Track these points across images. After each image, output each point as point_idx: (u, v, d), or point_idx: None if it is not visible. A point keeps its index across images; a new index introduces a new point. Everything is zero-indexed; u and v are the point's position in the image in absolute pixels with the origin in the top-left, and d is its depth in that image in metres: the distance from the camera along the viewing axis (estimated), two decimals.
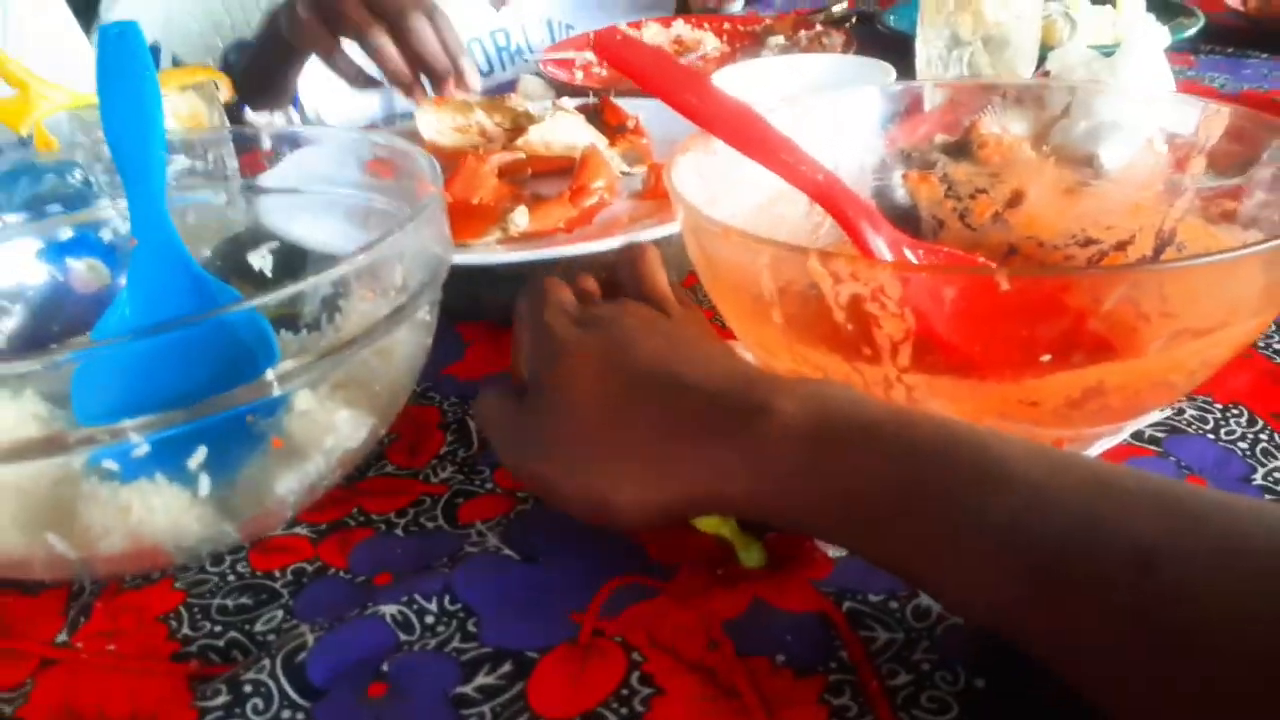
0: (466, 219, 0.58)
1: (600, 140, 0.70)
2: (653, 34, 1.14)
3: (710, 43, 1.11)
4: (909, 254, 0.46)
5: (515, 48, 1.19)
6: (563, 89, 1.01)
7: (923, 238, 0.57)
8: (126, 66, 0.49)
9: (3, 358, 0.42)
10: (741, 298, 0.41)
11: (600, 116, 0.74)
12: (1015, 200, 0.57)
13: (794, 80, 0.84)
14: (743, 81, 0.82)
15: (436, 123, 0.74)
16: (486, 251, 0.57)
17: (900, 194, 0.58)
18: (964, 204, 0.58)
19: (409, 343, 0.42)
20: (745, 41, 1.11)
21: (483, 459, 0.47)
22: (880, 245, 0.44)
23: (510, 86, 1.02)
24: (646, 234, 0.56)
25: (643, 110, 0.73)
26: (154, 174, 0.47)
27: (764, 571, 0.38)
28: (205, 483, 0.36)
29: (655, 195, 0.65)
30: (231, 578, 0.40)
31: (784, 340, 0.40)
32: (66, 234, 0.56)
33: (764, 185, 0.52)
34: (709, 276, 0.44)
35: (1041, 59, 0.78)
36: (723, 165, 0.50)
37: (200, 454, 0.36)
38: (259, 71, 0.99)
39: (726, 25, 1.13)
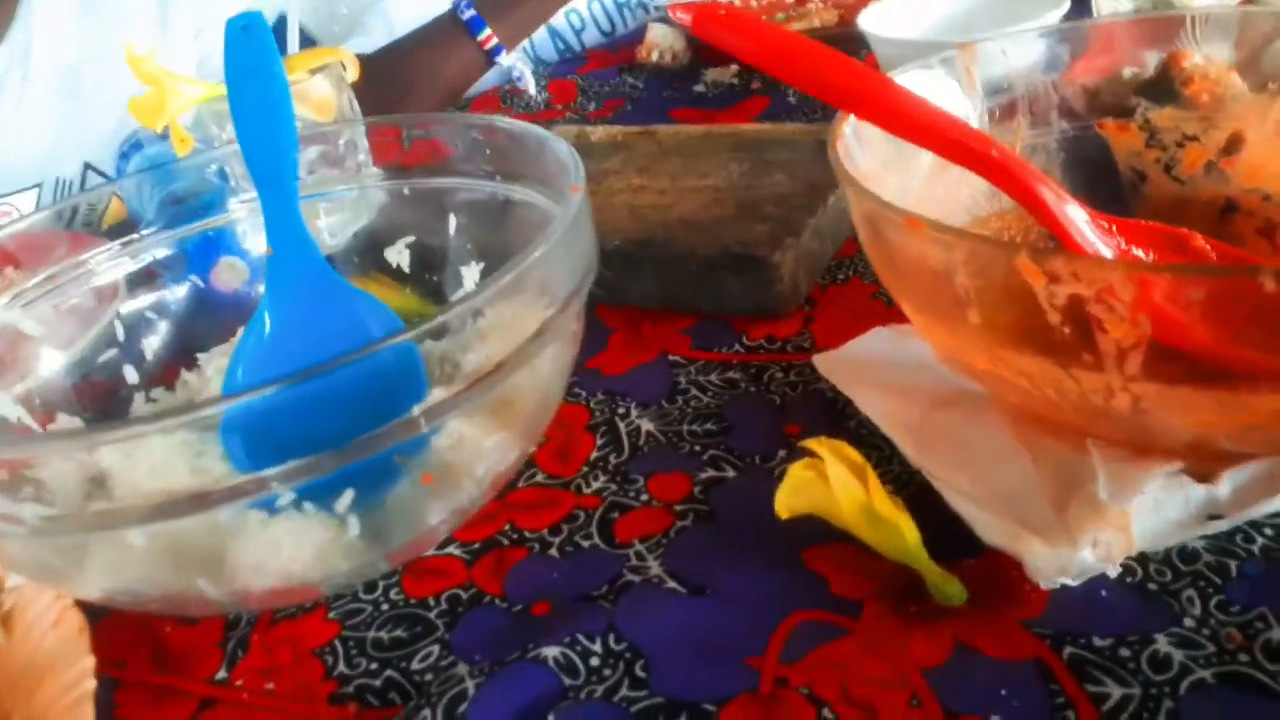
0: None
1: None
2: None
3: None
4: (1103, 240, 0.40)
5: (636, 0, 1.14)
6: (691, 35, 0.95)
7: (1122, 194, 0.50)
8: (255, 64, 0.47)
9: (157, 414, 0.40)
10: (928, 294, 0.36)
11: None
12: (1233, 146, 0.49)
13: (952, 11, 0.76)
14: (894, 18, 0.75)
15: None
16: None
17: (1093, 145, 0.51)
18: (1170, 154, 0.50)
19: (558, 356, 0.39)
20: None
21: (634, 466, 0.44)
22: (1081, 225, 0.38)
23: (638, 37, 0.97)
24: None
25: None
26: (287, 180, 0.45)
27: (964, 608, 0.34)
28: (354, 523, 0.34)
29: None
30: (385, 606, 0.39)
31: (981, 343, 0.35)
32: (205, 236, 0.55)
33: None
34: (887, 269, 0.39)
35: None
36: None
37: (348, 497, 0.33)
38: None
39: None
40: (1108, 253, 0.39)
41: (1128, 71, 0.54)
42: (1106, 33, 0.54)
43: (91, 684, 0.33)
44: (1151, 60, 0.53)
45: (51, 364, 0.45)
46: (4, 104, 0.88)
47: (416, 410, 0.32)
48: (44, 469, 0.38)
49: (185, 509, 0.30)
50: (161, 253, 0.51)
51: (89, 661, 0.33)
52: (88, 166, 0.91)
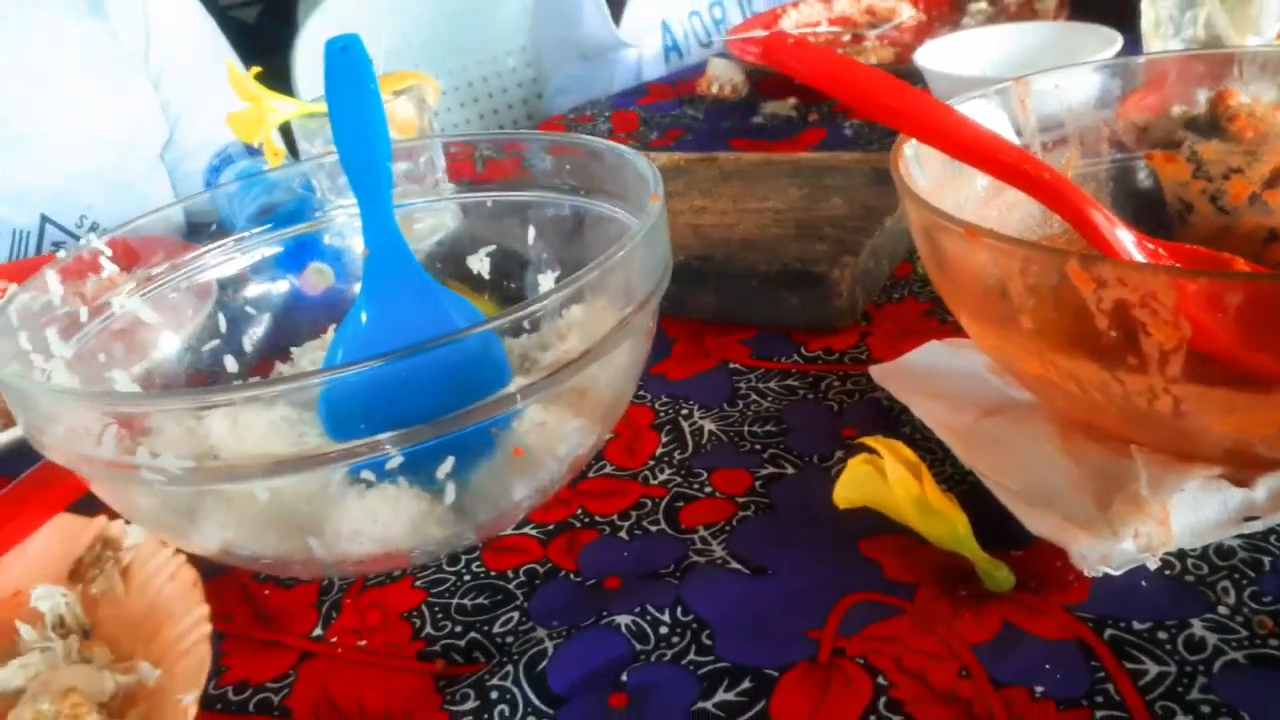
0: None
1: None
2: (844, 5, 1.10)
3: (906, 11, 1.06)
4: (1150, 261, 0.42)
5: (705, 30, 1.19)
6: (751, 69, 0.99)
7: (1169, 223, 0.53)
8: (352, 80, 0.50)
9: (266, 382, 0.45)
10: (982, 301, 0.39)
11: None
12: (1276, 179, 0.52)
13: (1006, 52, 0.79)
14: (950, 56, 0.78)
15: None
16: None
17: (1141, 176, 0.54)
18: (1216, 185, 0.53)
19: (633, 351, 0.42)
20: (944, 9, 1.06)
21: (697, 462, 0.47)
22: (1130, 246, 0.41)
23: (698, 71, 1.01)
24: None
25: None
26: (382, 186, 0.49)
27: (1011, 593, 0.36)
28: (451, 490, 0.37)
29: None
30: (468, 577, 0.42)
31: (1033, 346, 0.37)
32: (297, 241, 0.59)
33: None
34: (942, 277, 0.42)
35: None
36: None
37: (448, 464, 0.37)
38: None
39: None
40: None
41: (1177, 109, 0.56)
42: (1157, 69, 0.57)
43: (208, 628, 0.36)
44: (1200, 98, 0.55)
45: (165, 349, 0.49)
46: None
47: (513, 386, 0.35)
48: (160, 439, 0.41)
49: (304, 466, 0.34)
50: (264, 252, 0.55)
51: (204, 609, 0.37)
52: (45, 219, 0.93)
